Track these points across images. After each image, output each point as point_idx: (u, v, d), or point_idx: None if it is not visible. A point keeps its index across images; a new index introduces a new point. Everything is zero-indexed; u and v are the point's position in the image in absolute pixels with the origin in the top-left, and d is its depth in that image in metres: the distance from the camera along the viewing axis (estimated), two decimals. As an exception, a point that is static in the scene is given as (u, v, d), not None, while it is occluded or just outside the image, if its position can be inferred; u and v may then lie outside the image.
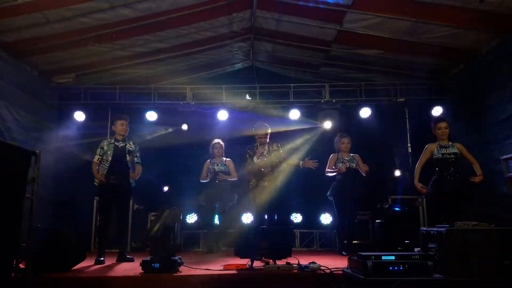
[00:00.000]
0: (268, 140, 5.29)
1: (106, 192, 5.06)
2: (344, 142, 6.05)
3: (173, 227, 3.92)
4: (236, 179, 6.45)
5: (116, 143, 5.19)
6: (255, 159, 5.18)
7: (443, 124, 5.24)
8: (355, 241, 6.39)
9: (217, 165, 6.47)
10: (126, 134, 5.28)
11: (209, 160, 6.56)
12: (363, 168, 6.04)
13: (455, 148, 5.11)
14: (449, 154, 5.05)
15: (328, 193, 5.97)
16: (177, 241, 6.78)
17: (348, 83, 7.85)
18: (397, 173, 7.57)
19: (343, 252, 5.71)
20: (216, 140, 6.63)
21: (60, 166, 7.41)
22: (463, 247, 2.85)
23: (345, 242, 5.87)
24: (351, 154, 6.04)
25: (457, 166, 4.98)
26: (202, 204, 6.57)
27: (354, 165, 5.95)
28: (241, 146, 5.96)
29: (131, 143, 5.31)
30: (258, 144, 5.25)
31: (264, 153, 5.25)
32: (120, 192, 5.10)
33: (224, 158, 6.56)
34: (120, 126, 5.21)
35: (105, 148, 5.15)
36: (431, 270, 2.82)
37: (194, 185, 6.96)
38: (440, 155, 5.09)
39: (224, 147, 6.60)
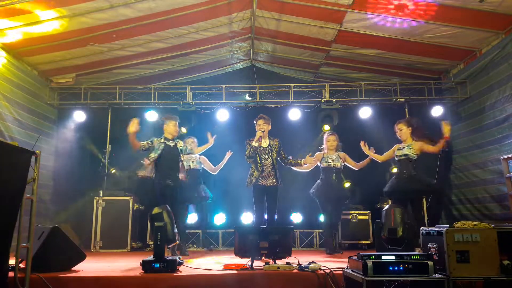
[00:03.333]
0: (266, 130, 5.23)
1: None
2: (330, 140, 5.86)
3: (162, 227, 3.89)
4: (215, 173, 6.43)
5: (167, 142, 5.28)
6: (253, 142, 5.17)
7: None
8: (349, 241, 6.32)
9: (192, 162, 6.40)
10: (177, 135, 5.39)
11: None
12: (353, 164, 5.88)
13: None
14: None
15: (311, 190, 5.83)
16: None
17: (348, 83, 7.85)
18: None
19: (327, 251, 5.66)
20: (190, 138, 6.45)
21: (60, 166, 7.41)
22: (463, 247, 2.85)
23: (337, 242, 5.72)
24: (337, 153, 5.88)
25: None
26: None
27: (339, 164, 5.79)
28: (241, 145, 5.93)
29: (179, 141, 5.46)
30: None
31: (262, 138, 5.19)
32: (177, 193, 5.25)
33: (198, 155, 6.42)
34: (173, 126, 5.32)
35: (156, 147, 5.20)
36: (431, 270, 2.82)
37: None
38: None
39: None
